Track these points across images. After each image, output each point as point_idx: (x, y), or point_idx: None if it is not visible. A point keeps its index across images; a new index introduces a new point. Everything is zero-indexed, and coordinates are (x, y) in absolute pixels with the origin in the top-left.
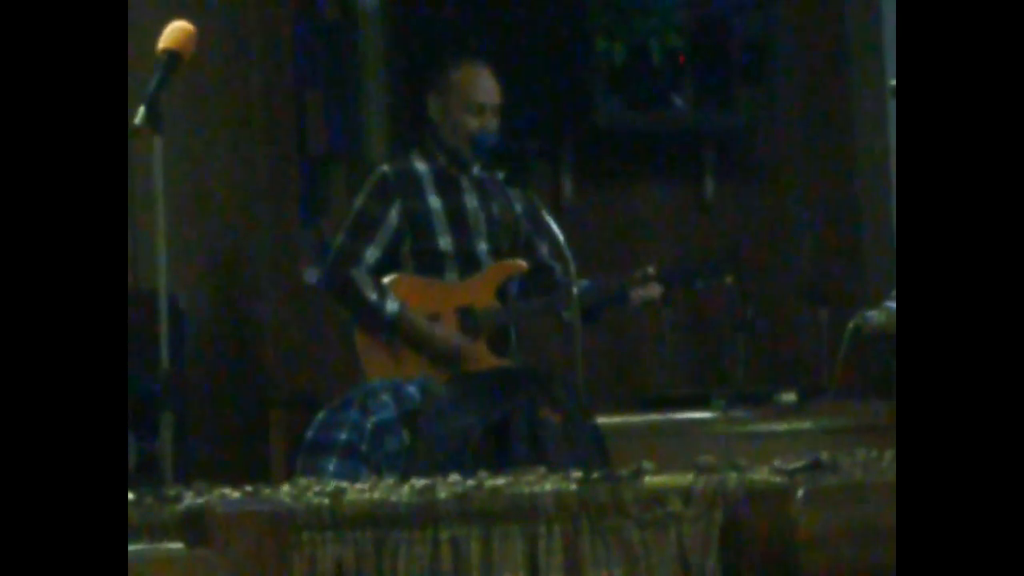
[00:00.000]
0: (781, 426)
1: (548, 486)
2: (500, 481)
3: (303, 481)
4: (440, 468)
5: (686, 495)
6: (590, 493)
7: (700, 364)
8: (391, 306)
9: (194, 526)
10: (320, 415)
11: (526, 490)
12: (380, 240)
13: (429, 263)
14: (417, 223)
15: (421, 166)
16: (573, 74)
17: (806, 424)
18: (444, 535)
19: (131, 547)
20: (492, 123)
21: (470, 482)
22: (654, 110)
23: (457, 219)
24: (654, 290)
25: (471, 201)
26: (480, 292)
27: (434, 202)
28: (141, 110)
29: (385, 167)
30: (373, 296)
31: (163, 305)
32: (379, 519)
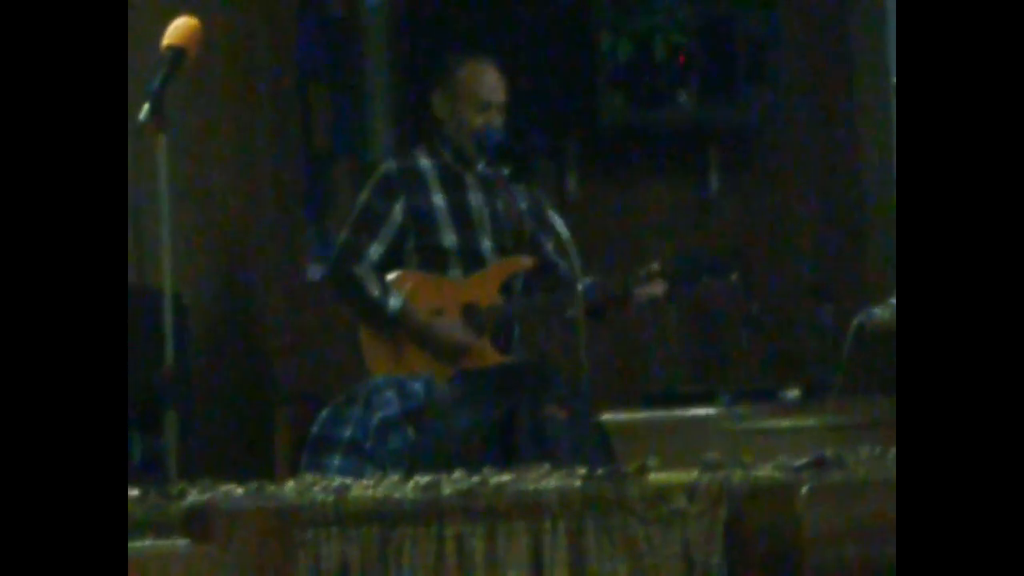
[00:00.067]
0: (785, 423)
1: (552, 483)
2: (504, 478)
3: (307, 478)
4: (444, 465)
5: (691, 492)
6: (594, 490)
7: (705, 361)
8: (394, 302)
9: (199, 523)
10: (324, 412)
11: (530, 487)
12: (384, 237)
13: (433, 260)
14: (421, 220)
15: (425, 163)
16: (578, 71)
17: (810, 421)
18: (449, 532)
19: (136, 543)
20: (497, 120)
21: (474, 479)
22: (659, 107)
23: (461, 216)
24: (658, 287)
25: (475, 198)
26: (484, 289)
27: (438, 199)
28: (146, 107)
29: (389, 164)
30: (376, 292)
31: (167, 302)
32: (383, 516)
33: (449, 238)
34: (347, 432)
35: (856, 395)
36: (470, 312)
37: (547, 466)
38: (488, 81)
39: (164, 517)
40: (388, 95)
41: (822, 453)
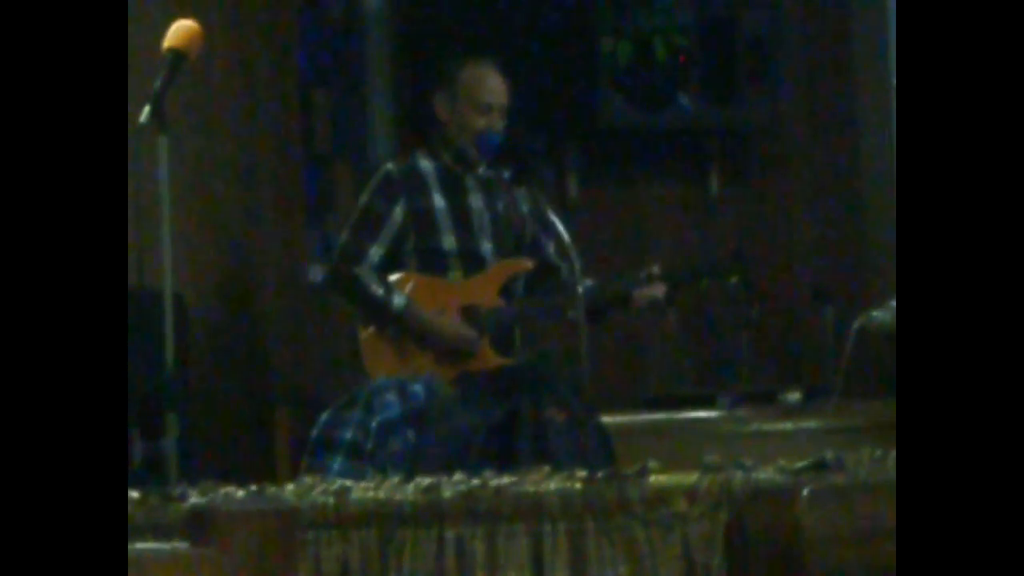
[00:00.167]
0: (786, 425)
1: (553, 485)
2: (505, 480)
3: (308, 480)
4: (445, 467)
5: (691, 494)
6: (595, 492)
7: (705, 363)
8: (398, 300)
9: (199, 525)
10: (325, 414)
11: (531, 489)
12: (384, 238)
13: (432, 262)
14: (421, 222)
15: (426, 165)
16: (578, 73)
17: (811, 423)
18: (449, 534)
19: (136, 546)
20: (498, 123)
21: (475, 481)
22: (659, 109)
23: (461, 218)
24: (658, 290)
25: (476, 200)
26: (485, 291)
27: (438, 201)
28: (146, 109)
29: (390, 165)
30: (380, 291)
31: (168, 304)
32: (384, 518)
33: (449, 240)
34: (347, 434)
35: (857, 397)
36: (470, 314)
37: (548, 468)
38: (490, 83)
39: (164, 519)
40: (389, 98)
41: (823, 456)
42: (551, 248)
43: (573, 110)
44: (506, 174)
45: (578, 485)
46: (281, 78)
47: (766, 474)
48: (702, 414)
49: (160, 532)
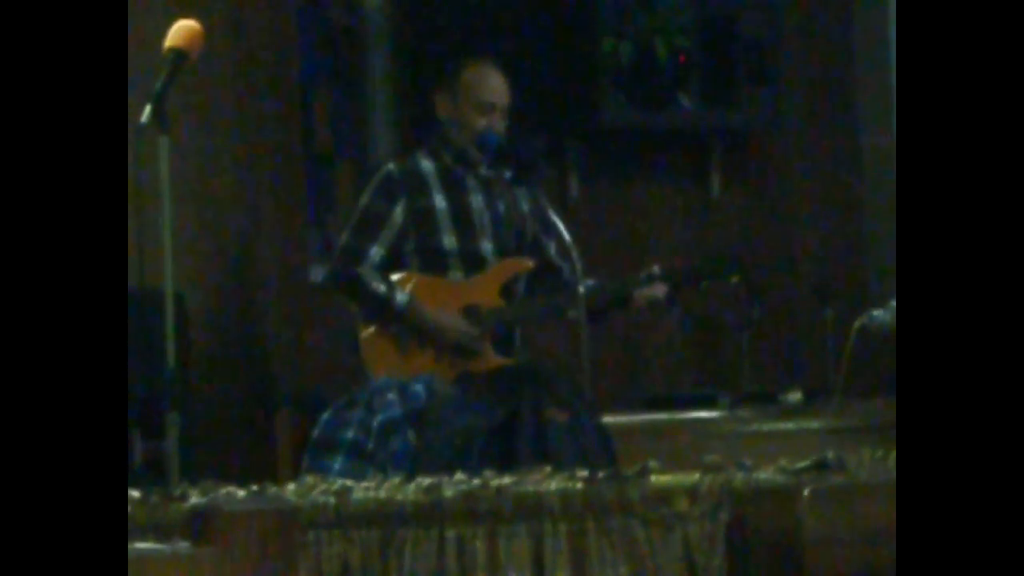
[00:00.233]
0: (787, 425)
1: (554, 485)
2: (506, 480)
3: (309, 480)
4: (446, 467)
5: (692, 494)
6: (596, 492)
7: (706, 363)
8: (400, 296)
9: (200, 525)
10: (326, 414)
11: (532, 489)
12: (385, 238)
13: (433, 262)
14: (422, 221)
15: (427, 165)
16: (579, 74)
17: (812, 424)
18: (450, 534)
19: (137, 546)
20: (500, 123)
21: (476, 481)
22: (660, 110)
23: (462, 218)
24: (659, 290)
25: (476, 200)
26: (485, 291)
27: (439, 201)
28: (147, 109)
29: (391, 165)
30: (382, 288)
31: (168, 304)
32: (385, 518)
33: (449, 240)
34: (348, 434)
35: (858, 398)
36: (471, 314)
37: (548, 468)
38: (491, 83)
39: (165, 519)
40: (389, 98)
41: (824, 456)
42: (552, 248)
43: (574, 110)
44: (507, 174)
45: (579, 485)
46: (282, 78)
47: (767, 474)
48: (703, 414)
49: (161, 532)
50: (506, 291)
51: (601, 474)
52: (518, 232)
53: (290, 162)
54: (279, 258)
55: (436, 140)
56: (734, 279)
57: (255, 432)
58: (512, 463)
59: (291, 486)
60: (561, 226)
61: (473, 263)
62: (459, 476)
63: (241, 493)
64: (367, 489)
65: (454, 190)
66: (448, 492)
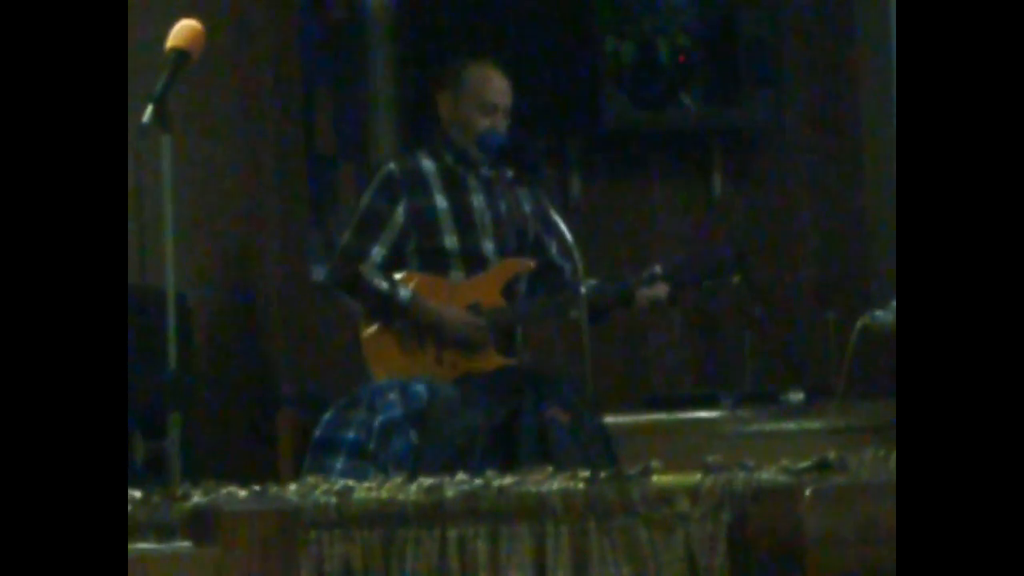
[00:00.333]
0: (789, 426)
1: (555, 485)
2: (507, 480)
3: (310, 480)
4: (447, 467)
5: (694, 494)
6: (597, 492)
7: (708, 363)
8: (403, 292)
9: (202, 525)
10: (328, 414)
11: (533, 489)
12: (386, 238)
13: (434, 262)
14: (423, 221)
15: (428, 164)
16: (581, 73)
17: (814, 424)
18: (451, 534)
19: (139, 545)
20: (502, 123)
21: (477, 481)
22: (662, 110)
23: (463, 218)
24: (660, 290)
25: (478, 200)
26: (487, 290)
27: (440, 201)
28: (149, 109)
29: (392, 165)
30: (384, 285)
31: (170, 304)
32: (386, 518)
33: (451, 240)
34: (350, 434)
35: (859, 398)
36: (472, 313)
37: (550, 469)
38: (494, 83)
39: (167, 519)
40: (391, 98)
41: (825, 456)
42: (553, 248)
43: (576, 110)
44: (509, 174)
45: (580, 485)
46: (284, 78)
47: (768, 474)
48: (704, 414)
49: (163, 532)
50: (507, 291)
51: (603, 474)
52: (519, 232)
53: (292, 162)
54: (281, 258)
55: (437, 140)
56: (736, 279)
57: (257, 432)
58: (514, 463)
59: (293, 486)
60: (563, 226)
61: (474, 263)
62: (461, 476)
63: (243, 493)
64: (369, 489)
65: (455, 190)
66: (450, 492)
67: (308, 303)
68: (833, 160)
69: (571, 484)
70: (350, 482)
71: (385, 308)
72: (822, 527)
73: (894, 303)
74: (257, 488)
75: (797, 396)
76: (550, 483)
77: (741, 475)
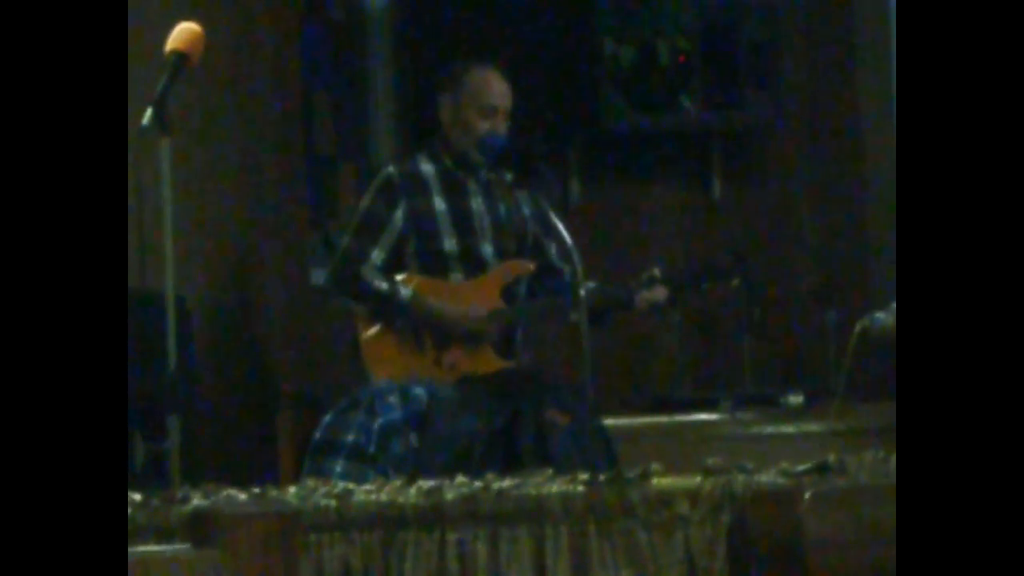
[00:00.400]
0: (788, 428)
1: (555, 488)
2: (507, 483)
3: (310, 483)
4: (447, 470)
5: (693, 497)
6: (597, 495)
7: (707, 366)
8: (404, 291)
9: (201, 527)
10: (327, 417)
11: (533, 492)
12: (385, 241)
13: (433, 264)
14: (422, 224)
15: (427, 167)
16: (581, 76)
17: (813, 426)
18: (451, 537)
19: (139, 548)
20: (502, 126)
21: (477, 484)
22: (661, 112)
23: (462, 221)
24: (659, 293)
25: (477, 203)
26: (486, 293)
27: (439, 204)
28: (149, 112)
29: (391, 168)
30: (385, 286)
31: (170, 306)
32: (386, 520)
33: (450, 243)
34: (350, 437)
35: (859, 400)
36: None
37: (550, 471)
38: (494, 87)
39: (166, 522)
40: (391, 101)
41: (825, 459)
42: (553, 250)
43: (575, 112)
44: (508, 176)
45: (580, 488)
46: (283, 81)
47: (768, 477)
48: (704, 417)
49: (162, 534)
50: (507, 293)
51: (602, 477)
52: (519, 235)
53: (291, 165)
54: (280, 260)
55: (436, 143)
56: (735, 281)
57: (256, 435)
58: (513, 466)
59: (292, 489)
60: (562, 228)
61: (473, 266)
62: (460, 479)
63: (242, 496)
64: (368, 492)
65: (454, 193)
66: (449, 495)
67: (307, 305)
68: (832, 162)
69: (571, 487)
70: (350, 485)
71: (387, 308)
72: (822, 530)
73: (894, 305)
74: (257, 491)
75: (796, 399)
76: (550, 486)
77: (741, 478)
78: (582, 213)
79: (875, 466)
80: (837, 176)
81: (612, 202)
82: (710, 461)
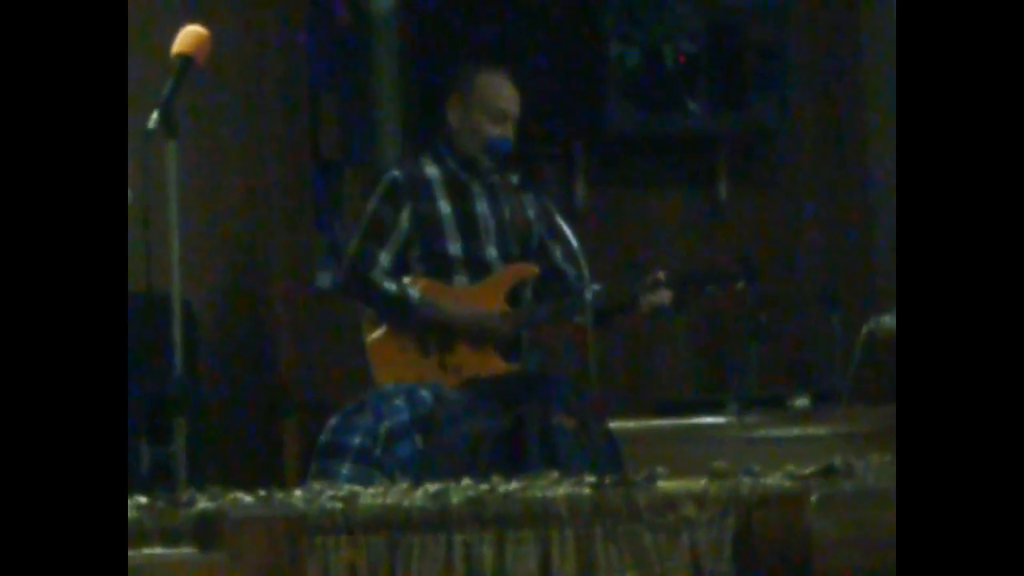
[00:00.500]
0: (794, 431)
1: (561, 491)
2: (513, 486)
3: (316, 486)
4: (453, 473)
5: (699, 500)
6: (603, 498)
7: (713, 369)
8: (413, 292)
9: (208, 531)
10: (333, 420)
11: (539, 495)
12: (392, 244)
13: (438, 268)
14: (426, 228)
15: (432, 171)
16: (587, 79)
17: (819, 429)
18: (457, 540)
19: (144, 551)
20: (510, 131)
21: (483, 487)
22: (667, 115)
23: (467, 224)
24: (664, 296)
25: (481, 206)
26: (491, 296)
27: (444, 207)
28: (155, 114)
29: (395, 172)
30: (394, 287)
31: (176, 310)
32: (392, 524)
33: (455, 246)
34: (356, 440)
35: (865, 403)
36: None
37: (556, 474)
38: (505, 92)
39: (172, 525)
40: (397, 104)
41: (831, 461)
42: (558, 253)
43: (581, 116)
44: (514, 179)
45: (586, 491)
46: (289, 84)
47: (774, 480)
48: (710, 420)
49: (168, 537)
50: (512, 297)
51: (608, 480)
52: (523, 238)
53: (298, 168)
54: (287, 264)
55: (441, 145)
56: (741, 284)
57: (263, 438)
58: (519, 469)
59: (298, 492)
60: (568, 231)
61: (478, 269)
62: (466, 482)
63: (248, 499)
64: (374, 495)
65: (459, 196)
66: (455, 498)
67: (314, 309)
68: (838, 165)
69: (577, 490)
70: (356, 488)
71: (397, 309)
72: (828, 532)
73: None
74: (263, 494)
75: (803, 401)
76: (556, 489)
77: (747, 481)
78: (588, 216)
79: (881, 469)
80: (843, 178)
81: (617, 205)
82: (716, 464)
